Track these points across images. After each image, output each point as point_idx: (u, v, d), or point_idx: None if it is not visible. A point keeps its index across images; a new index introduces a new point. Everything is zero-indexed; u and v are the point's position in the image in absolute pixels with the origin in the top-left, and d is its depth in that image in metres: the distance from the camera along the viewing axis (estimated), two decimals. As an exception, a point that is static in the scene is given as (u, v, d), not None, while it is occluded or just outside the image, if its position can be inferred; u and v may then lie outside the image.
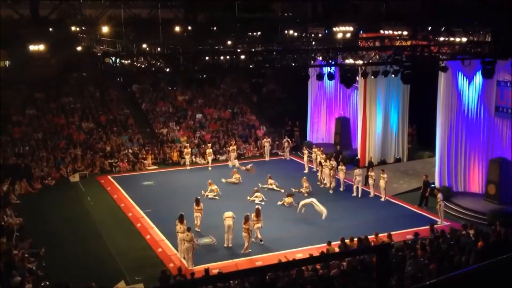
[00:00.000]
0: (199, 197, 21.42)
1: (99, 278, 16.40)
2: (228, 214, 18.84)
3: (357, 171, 24.21)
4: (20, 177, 25.42)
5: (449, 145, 23.26)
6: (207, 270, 15.55)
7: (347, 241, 16.70)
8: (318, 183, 25.66)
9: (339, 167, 25.23)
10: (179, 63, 19.65)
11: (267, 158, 30.52)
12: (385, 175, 23.46)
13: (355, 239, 16.80)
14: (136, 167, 28.83)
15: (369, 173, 24.42)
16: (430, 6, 27.20)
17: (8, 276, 14.69)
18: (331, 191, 24.72)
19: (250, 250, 18.44)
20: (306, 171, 27.66)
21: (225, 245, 18.66)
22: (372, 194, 24.04)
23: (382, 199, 23.45)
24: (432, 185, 23.32)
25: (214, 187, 24.14)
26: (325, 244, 17.03)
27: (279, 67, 21.88)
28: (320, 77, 24.07)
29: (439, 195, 21.05)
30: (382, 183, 23.39)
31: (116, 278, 16.33)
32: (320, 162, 26.36)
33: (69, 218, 22.06)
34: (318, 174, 26.26)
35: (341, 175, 24.96)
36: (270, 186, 24.98)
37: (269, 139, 31.32)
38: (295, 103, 33.76)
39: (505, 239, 15.53)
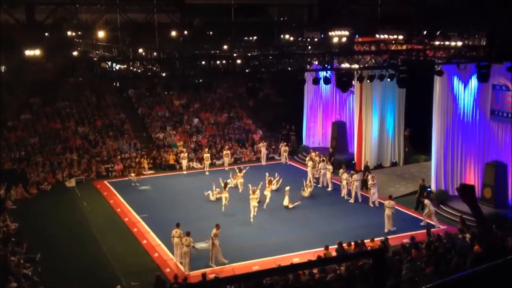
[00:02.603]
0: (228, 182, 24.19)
1: (95, 283, 16.40)
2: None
3: (355, 176, 24.22)
4: (16, 182, 25.33)
5: (445, 149, 23.32)
6: (204, 275, 15.52)
7: (344, 245, 16.70)
8: (316, 183, 26.18)
9: (327, 166, 25.89)
10: (175, 67, 19.66)
11: (263, 163, 30.51)
12: (374, 182, 23.41)
13: (352, 244, 16.81)
14: (131, 172, 28.74)
15: (367, 179, 24.38)
16: (425, 11, 27.28)
17: (3, 281, 14.63)
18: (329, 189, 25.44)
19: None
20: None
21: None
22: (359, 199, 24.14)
23: (377, 205, 23.17)
24: (429, 189, 23.37)
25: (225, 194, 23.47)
26: (322, 248, 17.05)
27: (275, 72, 21.92)
28: (316, 81, 24.11)
29: (426, 201, 21.12)
30: (372, 190, 23.32)
31: (112, 283, 16.26)
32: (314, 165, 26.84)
33: (65, 223, 22.00)
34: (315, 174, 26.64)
35: (328, 175, 25.67)
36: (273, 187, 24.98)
37: (265, 144, 31.34)
38: (291, 107, 33.77)
39: (501, 243, 15.55)
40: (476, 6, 23.31)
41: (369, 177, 23.93)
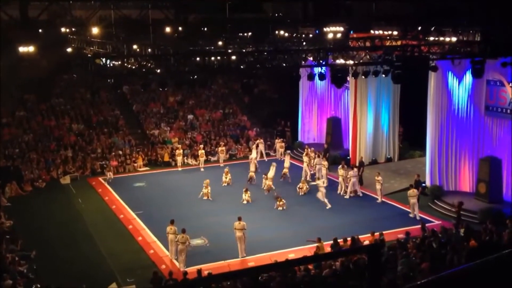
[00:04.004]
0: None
1: (90, 280, 16.37)
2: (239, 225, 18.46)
3: (351, 172, 24.25)
4: (10, 179, 25.23)
5: (439, 144, 23.39)
6: (199, 271, 15.52)
7: (340, 241, 16.72)
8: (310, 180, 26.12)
9: (322, 162, 25.91)
10: (170, 64, 19.59)
11: (258, 158, 30.37)
12: (380, 178, 23.43)
13: (348, 239, 16.84)
14: (126, 169, 28.74)
15: (362, 174, 24.48)
16: (420, 7, 27.29)
17: (-1, 279, 14.59)
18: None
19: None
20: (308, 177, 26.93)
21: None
22: (359, 193, 24.20)
23: (379, 201, 23.39)
24: (423, 185, 23.45)
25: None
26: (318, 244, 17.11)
27: (270, 68, 21.92)
28: (311, 77, 24.08)
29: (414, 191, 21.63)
30: (378, 186, 23.38)
31: (108, 280, 16.27)
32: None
33: (60, 220, 21.95)
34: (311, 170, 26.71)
35: (323, 171, 25.67)
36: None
37: (262, 140, 31.14)
38: (286, 103, 33.77)
39: (496, 238, 15.64)
40: (470, 2, 23.34)
41: (376, 173, 23.87)
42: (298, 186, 24.39)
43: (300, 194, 24.19)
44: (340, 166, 24.91)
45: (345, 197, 24.06)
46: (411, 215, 21.48)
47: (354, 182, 24.02)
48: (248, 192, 23.37)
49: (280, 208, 22.33)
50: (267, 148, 31.87)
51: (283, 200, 22.54)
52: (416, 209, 21.35)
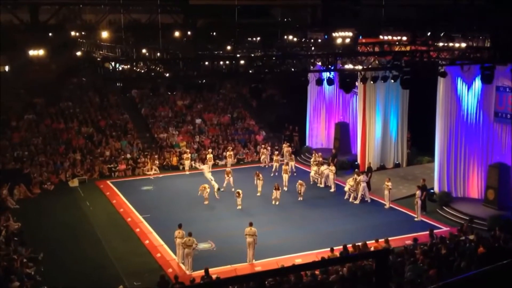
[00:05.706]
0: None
1: (97, 283, 16.43)
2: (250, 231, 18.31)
3: (361, 177, 24.14)
4: (19, 182, 25.36)
5: (448, 150, 23.27)
6: (207, 270, 15.51)
7: (349, 246, 16.65)
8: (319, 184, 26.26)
9: (330, 167, 25.84)
10: (178, 68, 19.67)
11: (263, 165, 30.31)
12: (389, 184, 23.32)
13: (357, 244, 16.77)
14: (135, 172, 28.84)
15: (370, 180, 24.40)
16: (429, 12, 27.26)
17: (6, 281, 14.65)
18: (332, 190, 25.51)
19: None
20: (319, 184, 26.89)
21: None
22: (367, 199, 24.10)
23: (386, 207, 23.30)
24: (431, 191, 23.34)
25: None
26: (325, 250, 17.07)
27: (279, 72, 21.90)
28: (319, 82, 24.10)
29: (418, 192, 21.94)
30: (386, 191, 23.28)
31: (115, 283, 16.27)
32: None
33: (68, 223, 22.03)
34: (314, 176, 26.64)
35: (331, 176, 25.61)
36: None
37: (268, 147, 31.01)
38: (294, 108, 33.76)
39: (504, 245, 15.52)
40: (480, 7, 23.27)
41: (386, 179, 23.75)
42: (297, 190, 24.27)
43: (299, 197, 24.14)
44: (352, 177, 24.59)
45: (355, 202, 23.95)
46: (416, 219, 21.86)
47: (364, 187, 23.93)
48: (241, 196, 23.23)
49: (277, 203, 22.86)
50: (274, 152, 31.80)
51: (279, 189, 23.28)
52: (418, 211, 22.02)
